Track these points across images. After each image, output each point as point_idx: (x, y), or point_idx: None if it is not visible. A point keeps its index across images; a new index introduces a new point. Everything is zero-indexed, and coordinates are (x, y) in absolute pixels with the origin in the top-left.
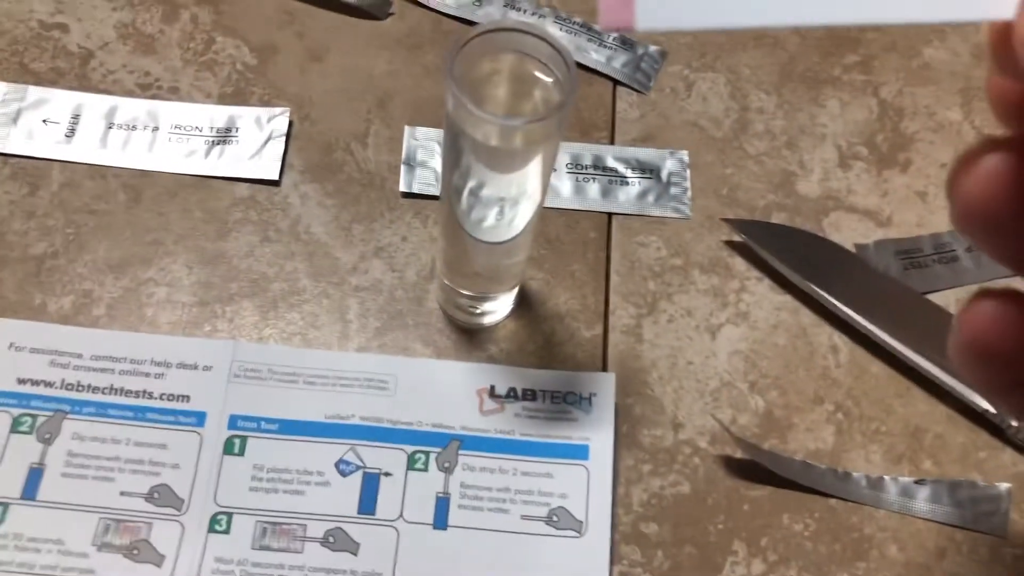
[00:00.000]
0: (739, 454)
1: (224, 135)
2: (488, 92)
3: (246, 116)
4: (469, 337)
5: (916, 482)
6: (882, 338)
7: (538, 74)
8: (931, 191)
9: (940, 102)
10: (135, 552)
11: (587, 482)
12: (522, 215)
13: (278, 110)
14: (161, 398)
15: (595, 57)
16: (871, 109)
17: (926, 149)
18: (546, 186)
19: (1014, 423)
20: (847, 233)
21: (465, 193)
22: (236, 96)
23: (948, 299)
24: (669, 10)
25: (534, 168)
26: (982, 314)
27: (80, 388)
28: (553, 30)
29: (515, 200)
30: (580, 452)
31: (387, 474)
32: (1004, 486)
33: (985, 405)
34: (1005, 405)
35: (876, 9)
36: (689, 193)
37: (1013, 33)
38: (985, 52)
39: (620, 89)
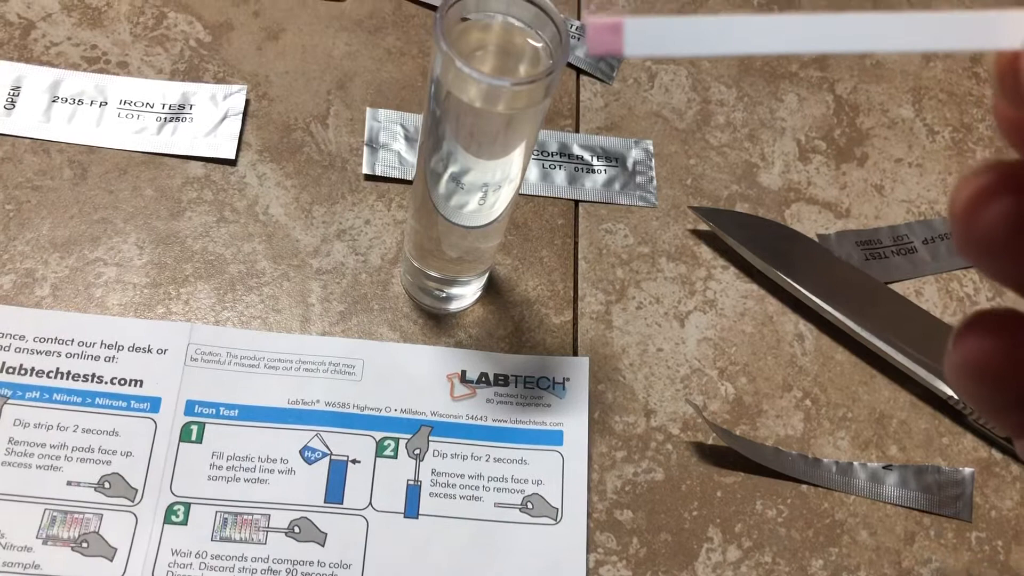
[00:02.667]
0: (711, 440)
1: (177, 112)
2: (474, 67)
3: (200, 93)
4: (436, 322)
5: (884, 467)
6: (847, 325)
7: (528, 40)
8: (887, 185)
9: (893, 99)
10: (84, 545)
11: (562, 468)
12: (503, 199)
13: (235, 87)
14: (112, 382)
15: None
16: (828, 105)
17: (881, 144)
18: (526, 168)
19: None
20: (808, 224)
21: (445, 178)
22: (189, 73)
23: (908, 289)
24: (656, 38)
25: (518, 151)
26: (977, 337)
27: (23, 372)
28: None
29: (498, 185)
30: (554, 438)
31: (355, 461)
32: (967, 471)
33: (947, 391)
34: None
35: (859, 39)
36: (655, 182)
37: (1022, 63)
38: (992, 80)
39: (584, 78)
